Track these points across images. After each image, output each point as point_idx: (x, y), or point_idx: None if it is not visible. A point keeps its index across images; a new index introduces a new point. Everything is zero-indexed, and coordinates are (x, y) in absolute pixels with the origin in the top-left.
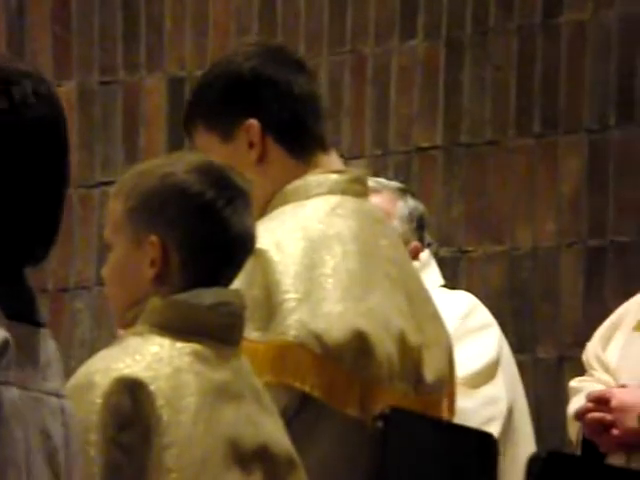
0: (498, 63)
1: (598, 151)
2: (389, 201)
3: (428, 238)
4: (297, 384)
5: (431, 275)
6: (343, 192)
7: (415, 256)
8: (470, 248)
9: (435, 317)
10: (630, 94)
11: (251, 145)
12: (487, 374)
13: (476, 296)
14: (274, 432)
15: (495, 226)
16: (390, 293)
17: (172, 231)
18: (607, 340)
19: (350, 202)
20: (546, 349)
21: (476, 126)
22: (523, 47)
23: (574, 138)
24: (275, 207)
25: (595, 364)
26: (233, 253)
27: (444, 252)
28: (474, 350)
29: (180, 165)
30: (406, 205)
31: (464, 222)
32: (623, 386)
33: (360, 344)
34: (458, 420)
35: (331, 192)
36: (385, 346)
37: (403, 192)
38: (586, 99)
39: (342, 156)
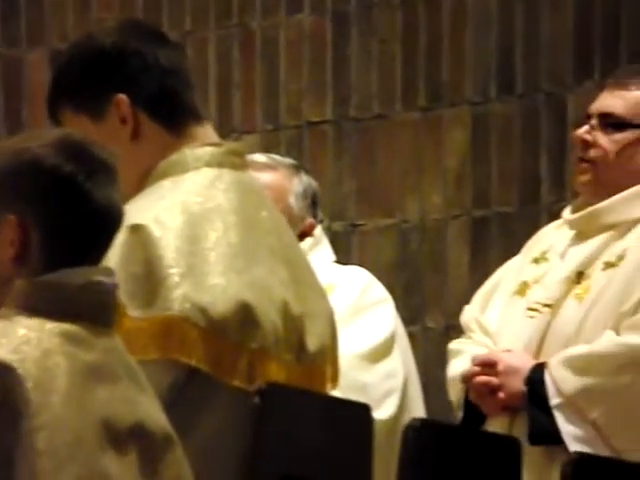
0: (383, 37)
1: (480, 123)
2: (284, 178)
3: (320, 215)
4: (183, 358)
5: (324, 251)
6: (220, 165)
7: (310, 232)
8: (361, 222)
9: (316, 287)
10: (510, 66)
11: (123, 121)
12: (385, 348)
13: (368, 269)
14: (150, 410)
15: (385, 199)
16: (272, 264)
17: (30, 209)
18: (485, 304)
19: (228, 175)
20: (435, 319)
21: (364, 100)
22: (407, 20)
23: (457, 111)
24: (152, 182)
25: (474, 326)
26: (98, 229)
27: (336, 226)
28: (372, 325)
29: (36, 140)
30: (301, 182)
31: (355, 196)
32: (508, 350)
33: (245, 315)
34: (359, 394)
35: (208, 165)
36: (270, 317)
37: (297, 169)
38: (468, 72)
39: (234, 131)
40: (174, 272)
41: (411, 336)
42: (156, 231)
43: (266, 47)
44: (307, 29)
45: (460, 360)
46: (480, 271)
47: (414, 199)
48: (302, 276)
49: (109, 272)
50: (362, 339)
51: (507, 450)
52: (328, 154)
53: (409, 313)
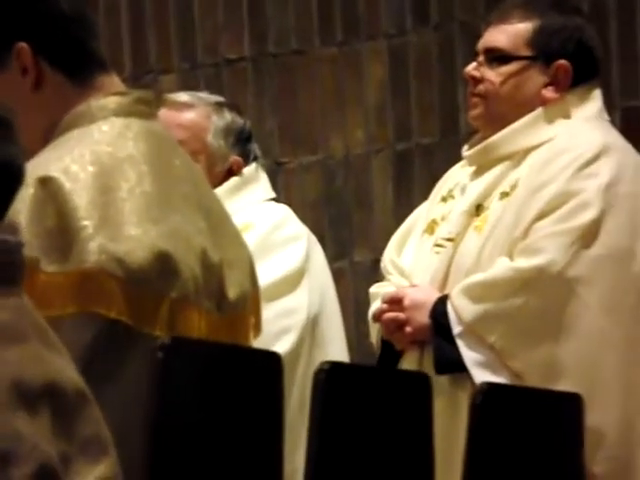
0: None
1: (398, 56)
2: (202, 116)
3: (255, 151)
4: (102, 311)
5: (256, 189)
6: (128, 114)
7: (236, 171)
8: (285, 160)
9: (234, 234)
10: None
11: (24, 72)
12: (286, 285)
13: (294, 207)
14: (61, 368)
15: (308, 136)
16: (188, 212)
17: None
18: (401, 246)
19: (137, 124)
20: (362, 253)
21: (282, 36)
22: None
23: (374, 45)
24: (59, 135)
25: (391, 269)
26: None
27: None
28: (275, 263)
29: None
30: (222, 119)
31: (278, 134)
32: (414, 285)
33: (164, 264)
34: None
35: (116, 115)
36: (189, 265)
37: (220, 106)
38: (383, 4)
39: (150, 72)
40: (88, 224)
41: (340, 271)
42: (66, 183)
43: None
44: None
45: (377, 302)
46: (405, 203)
47: (337, 135)
48: (219, 224)
49: (13, 230)
50: (263, 276)
51: (418, 386)
52: (248, 92)
53: (337, 249)
